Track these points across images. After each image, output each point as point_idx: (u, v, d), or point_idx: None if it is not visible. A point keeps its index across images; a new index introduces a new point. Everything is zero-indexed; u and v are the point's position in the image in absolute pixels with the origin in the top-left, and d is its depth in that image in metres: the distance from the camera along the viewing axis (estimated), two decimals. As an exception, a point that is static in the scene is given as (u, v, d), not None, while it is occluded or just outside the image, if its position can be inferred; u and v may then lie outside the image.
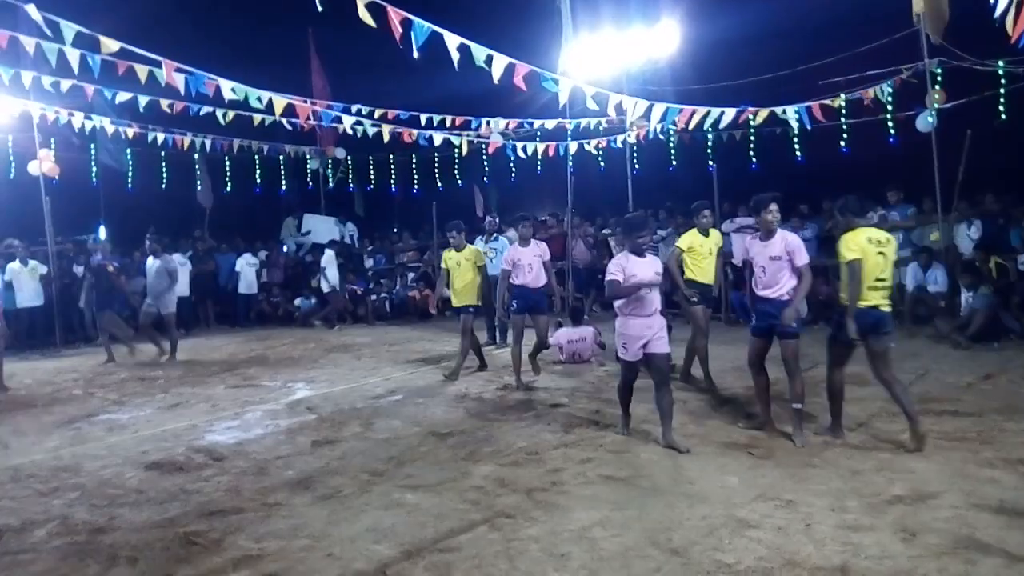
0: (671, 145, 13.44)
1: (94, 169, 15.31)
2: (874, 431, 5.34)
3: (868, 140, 11.35)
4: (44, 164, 12.68)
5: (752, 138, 12.63)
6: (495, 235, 10.36)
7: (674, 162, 13.77)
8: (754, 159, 12.72)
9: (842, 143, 11.45)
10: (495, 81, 8.03)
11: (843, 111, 10.74)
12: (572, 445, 5.33)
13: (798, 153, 11.77)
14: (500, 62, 7.90)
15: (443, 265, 8.32)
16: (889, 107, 10.70)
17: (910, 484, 4.24)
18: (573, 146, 12.27)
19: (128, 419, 6.88)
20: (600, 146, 12.53)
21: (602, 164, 13.89)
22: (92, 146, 14.77)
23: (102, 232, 15.39)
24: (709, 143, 13.00)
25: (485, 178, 16.98)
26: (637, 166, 14.09)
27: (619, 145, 12.55)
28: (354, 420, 6.39)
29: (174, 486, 4.85)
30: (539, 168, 14.75)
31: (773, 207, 5.30)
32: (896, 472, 4.46)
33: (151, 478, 5.06)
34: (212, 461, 5.37)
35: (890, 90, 10.39)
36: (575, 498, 4.29)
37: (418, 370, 8.74)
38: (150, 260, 10.79)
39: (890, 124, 10.96)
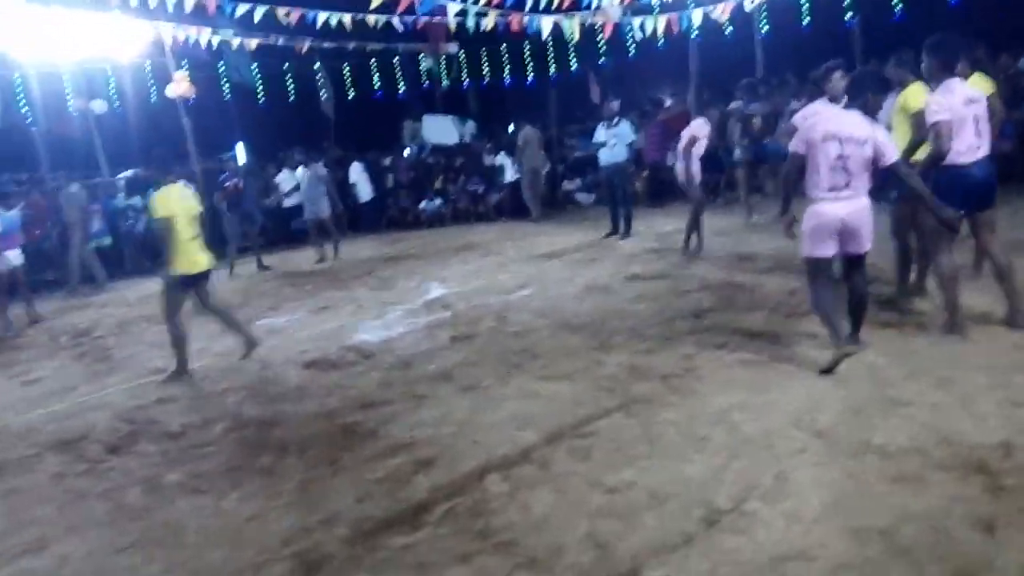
0: (803, 0, 12.19)
1: (226, 87, 15.98)
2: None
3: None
4: (180, 86, 13.34)
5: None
6: (616, 120, 10.00)
7: (807, 19, 12.56)
8: (898, 7, 11.40)
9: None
10: None
11: None
12: (704, 331, 5.26)
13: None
14: None
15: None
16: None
17: (1084, 357, 3.90)
18: (697, 16, 11.34)
19: (284, 323, 7.44)
20: (725, 12, 11.52)
21: (727, 30, 12.85)
22: (221, 63, 15.33)
23: (240, 150, 16.25)
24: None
25: (601, 60, 16.29)
26: (765, 28, 13.01)
27: (743, 15, 11.53)
28: (487, 316, 6.59)
29: (330, 382, 5.26)
30: (660, 43, 13.93)
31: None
32: (1067, 344, 4.11)
33: (309, 376, 5.50)
34: (362, 358, 5.75)
35: None
36: (711, 383, 4.27)
37: (544, 264, 8.82)
38: (300, 170, 11.74)
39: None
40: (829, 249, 4.21)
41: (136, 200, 12.98)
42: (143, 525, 3.49)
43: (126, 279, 12.02)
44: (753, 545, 2.68)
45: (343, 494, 3.52)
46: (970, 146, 4.36)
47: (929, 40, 4.48)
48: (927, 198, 4.21)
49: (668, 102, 14.40)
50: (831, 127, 4.12)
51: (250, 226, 11.62)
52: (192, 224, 5.78)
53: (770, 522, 2.80)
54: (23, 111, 14.05)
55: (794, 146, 4.24)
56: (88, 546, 3.36)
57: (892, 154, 4.15)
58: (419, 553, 2.93)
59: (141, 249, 12.82)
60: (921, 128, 4.89)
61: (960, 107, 4.31)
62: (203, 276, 5.90)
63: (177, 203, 5.70)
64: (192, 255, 5.75)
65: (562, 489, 3.27)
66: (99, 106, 14.31)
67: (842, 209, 4.10)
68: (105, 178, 13.83)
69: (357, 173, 15.21)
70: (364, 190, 15.25)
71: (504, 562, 2.79)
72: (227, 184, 11.42)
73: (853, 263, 4.29)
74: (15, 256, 8.94)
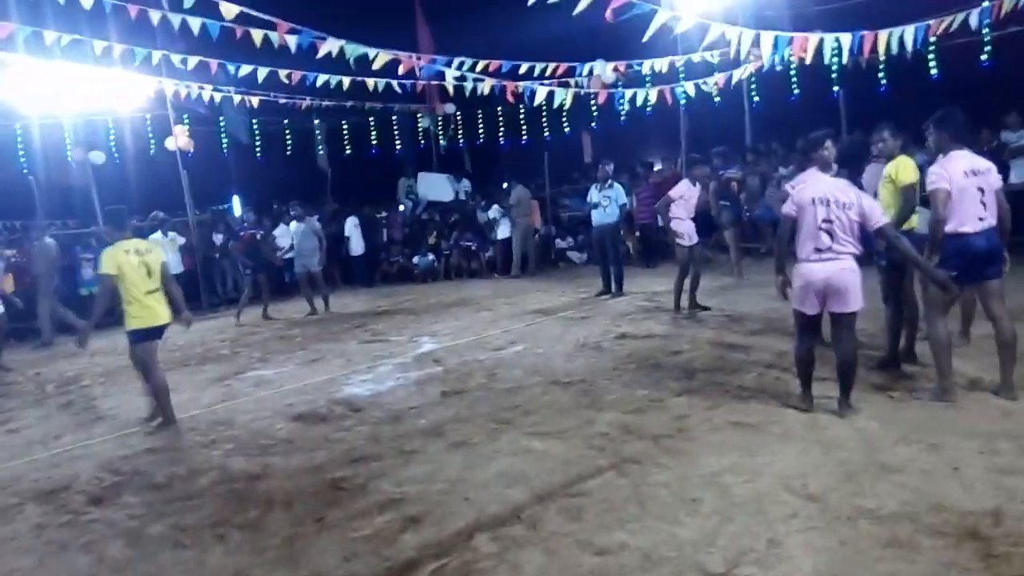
0: (792, 72, 12.62)
1: (224, 141, 16.23)
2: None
3: (1017, 50, 10.26)
4: (180, 139, 13.54)
5: (881, 58, 11.69)
6: (609, 182, 10.19)
7: (796, 90, 12.95)
8: (883, 80, 11.79)
9: (984, 55, 10.40)
10: (574, 13, 7.72)
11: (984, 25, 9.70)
12: (696, 392, 5.27)
13: (932, 70, 10.83)
14: None
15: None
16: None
17: (1072, 425, 3.94)
18: (690, 88, 11.68)
19: (273, 375, 7.40)
20: (718, 85, 11.88)
21: (717, 99, 13.26)
22: (220, 119, 15.61)
23: (236, 203, 16.42)
24: (832, 67, 12.14)
25: (593, 124, 16.69)
26: (756, 98, 13.39)
27: (733, 86, 11.92)
28: (478, 371, 6.58)
29: (319, 436, 5.21)
30: (649, 109, 14.36)
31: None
32: (1054, 412, 4.15)
33: (298, 429, 5.45)
34: (351, 412, 5.71)
35: None
36: (702, 444, 4.26)
37: (535, 321, 8.85)
38: (293, 224, 11.89)
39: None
40: (813, 307, 4.42)
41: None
42: (124, 580, 3.41)
43: (116, 328, 11.93)
44: (746, 610, 2.64)
45: (329, 551, 3.46)
46: (974, 216, 4.44)
47: (937, 114, 4.67)
48: (917, 261, 4.37)
49: (658, 166, 14.71)
50: (819, 192, 4.35)
51: (253, 273, 11.63)
52: (151, 278, 5.76)
53: (763, 587, 2.77)
54: (21, 160, 14.20)
55: (787, 209, 4.47)
56: (66, 601, 3.27)
57: (879, 218, 4.31)
58: (406, 613, 2.87)
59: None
60: (911, 200, 5.06)
61: (960, 177, 4.44)
62: (162, 328, 5.88)
63: (124, 259, 5.63)
64: (150, 308, 5.73)
65: (553, 550, 3.23)
66: (98, 157, 14.46)
67: (825, 270, 4.32)
68: (100, 228, 13.86)
69: (351, 227, 15.33)
70: (357, 244, 15.34)
71: (493, 624, 2.74)
72: (243, 234, 11.64)
73: (839, 322, 4.42)
74: None
